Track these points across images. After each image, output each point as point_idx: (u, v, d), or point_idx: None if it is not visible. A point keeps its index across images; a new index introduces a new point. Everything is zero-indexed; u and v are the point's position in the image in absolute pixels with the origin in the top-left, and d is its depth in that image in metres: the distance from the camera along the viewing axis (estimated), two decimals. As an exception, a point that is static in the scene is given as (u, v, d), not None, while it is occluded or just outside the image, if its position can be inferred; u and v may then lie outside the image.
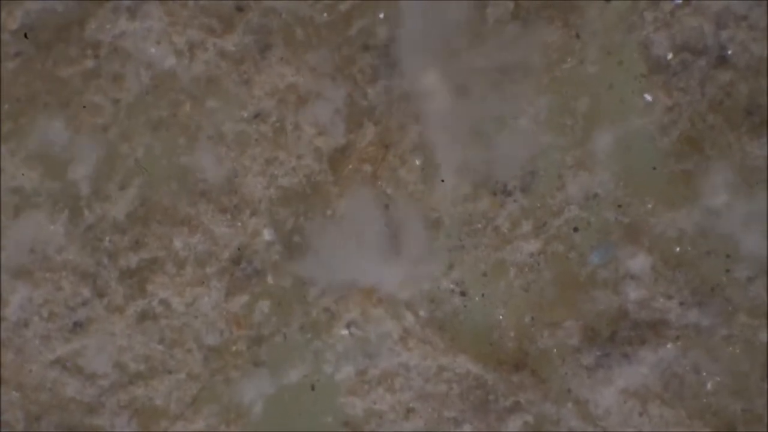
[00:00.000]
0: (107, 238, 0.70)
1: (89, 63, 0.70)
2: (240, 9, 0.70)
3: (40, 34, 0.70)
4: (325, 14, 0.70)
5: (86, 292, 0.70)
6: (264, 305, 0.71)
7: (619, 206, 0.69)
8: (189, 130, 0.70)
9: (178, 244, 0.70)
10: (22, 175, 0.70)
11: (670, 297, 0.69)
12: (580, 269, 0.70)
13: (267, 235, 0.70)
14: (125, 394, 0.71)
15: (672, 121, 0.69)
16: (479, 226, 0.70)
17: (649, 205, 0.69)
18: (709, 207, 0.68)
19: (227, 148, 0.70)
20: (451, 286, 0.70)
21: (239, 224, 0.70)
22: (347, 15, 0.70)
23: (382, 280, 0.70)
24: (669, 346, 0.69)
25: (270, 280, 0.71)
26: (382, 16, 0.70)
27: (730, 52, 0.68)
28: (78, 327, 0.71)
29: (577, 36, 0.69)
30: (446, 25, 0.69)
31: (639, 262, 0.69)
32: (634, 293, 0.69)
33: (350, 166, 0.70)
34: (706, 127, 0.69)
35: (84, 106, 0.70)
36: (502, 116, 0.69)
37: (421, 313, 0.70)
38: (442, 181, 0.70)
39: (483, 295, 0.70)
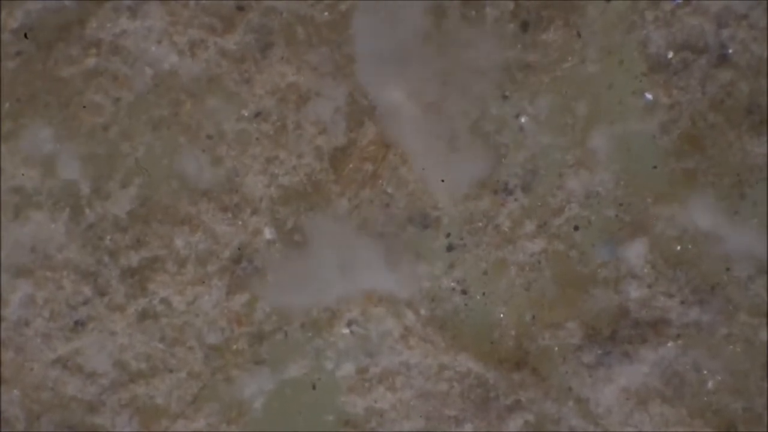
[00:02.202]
0: (108, 237, 0.70)
1: (90, 62, 0.70)
2: (241, 8, 0.70)
3: (40, 34, 0.70)
4: (325, 13, 0.70)
5: (87, 290, 0.70)
6: (264, 304, 0.71)
7: (620, 205, 0.69)
8: (190, 129, 0.70)
9: (179, 242, 0.70)
10: (22, 174, 0.70)
11: (670, 296, 0.69)
12: (581, 268, 0.70)
13: (268, 233, 0.70)
14: (126, 392, 0.71)
15: (672, 120, 0.69)
16: (480, 224, 0.70)
17: (650, 204, 0.69)
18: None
19: (228, 146, 0.70)
20: (452, 284, 0.71)
21: (240, 223, 0.70)
22: (348, 14, 0.70)
23: (383, 280, 0.70)
24: (670, 344, 0.69)
25: (270, 278, 0.71)
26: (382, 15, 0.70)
27: (730, 51, 0.68)
28: (79, 326, 0.71)
29: (578, 35, 0.69)
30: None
31: (640, 260, 0.69)
32: (635, 292, 0.69)
33: (351, 165, 0.70)
34: (706, 126, 0.69)
35: (84, 106, 0.70)
36: (502, 116, 0.70)
37: (422, 311, 0.71)
38: (442, 180, 0.70)
39: (484, 293, 0.70)
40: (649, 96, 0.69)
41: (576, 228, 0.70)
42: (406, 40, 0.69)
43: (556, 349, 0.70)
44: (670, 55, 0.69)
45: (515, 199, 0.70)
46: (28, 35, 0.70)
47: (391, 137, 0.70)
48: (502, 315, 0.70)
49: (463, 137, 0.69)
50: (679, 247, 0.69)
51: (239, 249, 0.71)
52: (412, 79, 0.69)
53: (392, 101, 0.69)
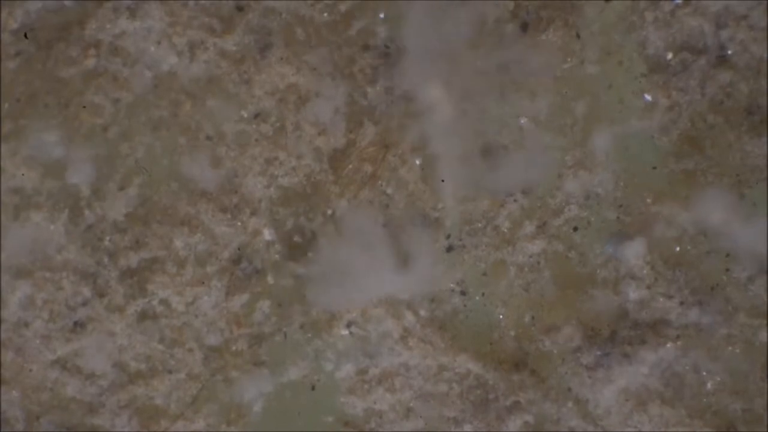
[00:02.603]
0: (107, 238, 0.70)
1: (90, 63, 0.70)
2: (240, 9, 0.70)
3: (40, 34, 0.70)
4: (325, 14, 0.70)
5: (86, 291, 0.70)
6: (264, 305, 0.71)
7: (620, 206, 0.69)
8: (189, 130, 0.70)
9: (178, 243, 0.70)
10: (22, 175, 0.70)
11: (670, 297, 0.69)
12: (581, 269, 0.70)
13: (267, 234, 0.70)
14: (125, 393, 0.71)
15: (672, 121, 0.69)
16: (479, 225, 0.70)
17: (649, 204, 0.69)
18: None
19: (227, 147, 0.70)
20: (452, 285, 0.71)
21: (239, 224, 0.71)
22: (347, 15, 0.70)
23: (384, 281, 0.70)
24: (669, 345, 0.69)
25: (270, 279, 0.71)
26: (382, 16, 0.70)
27: (730, 52, 0.68)
28: (78, 327, 0.71)
29: (577, 36, 0.69)
30: (449, 34, 0.69)
31: (639, 261, 0.69)
32: (634, 293, 0.69)
33: (350, 166, 0.70)
34: (706, 127, 0.69)
35: (84, 106, 0.70)
36: (503, 118, 0.70)
37: (422, 312, 0.71)
38: (443, 181, 0.70)
39: (483, 294, 0.70)
40: (648, 97, 0.69)
41: (575, 229, 0.70)
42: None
43: (555, 350, 0.70)
44: (670, 55, 0.69)
45: (514, 200, 0.70)
46: (28, 35, 0.70)
47: (395, 137, 0.70)
48: (501, 316, 0.70)
49: (467, 138, 0.69)
50: (678, 248, 0.69)
51: (239, 250, 0.71)
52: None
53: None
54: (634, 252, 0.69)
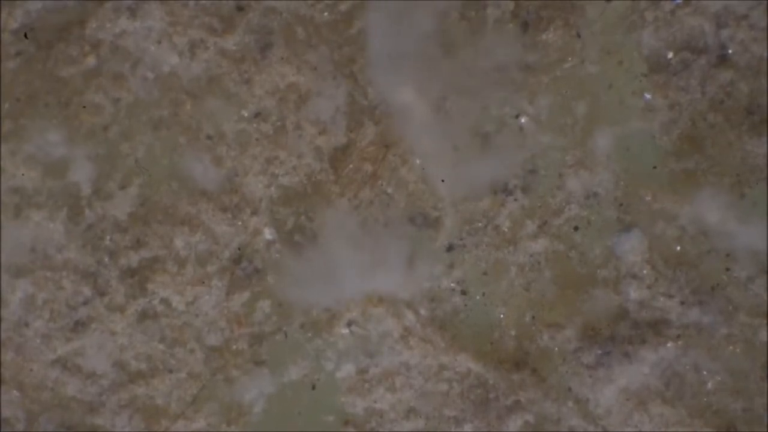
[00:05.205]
0: (108, 237, 0.70)
1: (90, 62, 0.70)
2: (240, 8, 0.70)
3: (40, 34, 0.70)
4: (325, 13, 0.70)
5: (87, 291, 0.70)
6: (265, 304, 0.71)
7: (620, 205, 0.69)
8: (190, 130, 0.70)
9: (178, 243, 0.70)
10: (22, 174, 0.70)
11: (670, 296, 0.69)
12: (581, 268, 0.70)
13: (268, 234, 0.71)
14: (126, 393, 0.71)
15: (672, 120, 0.69)
16: (480, 225, 0.70)
17: (650, 204, 0.69)
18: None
19: (228, 147, 0.70)
20: (452, 285, 0.71)
21: (240, 223, 0.71)
22: (348, 14, 0.70)
23: (383, 280, 0.70)
24: (669, 345, 0.69)
25: (270, 279, 0.71)
26: (382, 15, 0.70)
27: (730, 52, 0.68)
28: (79, 326, 0.71)
29: (578, 35, 0.69)
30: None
31: (639, 260, 0.69)
32: (634, 292, 0.69)
33: (351, 166, 0.70)
34: (706, 126, 0.69)
35: (84, 106, 0.70)
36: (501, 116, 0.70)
37: (422, 311, 0.71)
38: (443, 180, 0.70)
39: (483, 294, 0.70)
40: (648, 96, 0.69)
41: (576, 228, 0.70)
42: (411, 41, 0.69)
43: (556, 349, 0.70)
44: (670, 55, 0.69)
45: (515, 200, 0.70)
46: (28, 35, 0.70)
47: (395, 137, 0.70)
48: (501, 315, 0.70)
49: (465, 138, 0.69)
50: (678, 248, 0.69)
51: (239, 249, 0.71)
52: (420, 80, 0.69)
53: (400, 101, 0.69)
54: (637, 248, 0.69)
